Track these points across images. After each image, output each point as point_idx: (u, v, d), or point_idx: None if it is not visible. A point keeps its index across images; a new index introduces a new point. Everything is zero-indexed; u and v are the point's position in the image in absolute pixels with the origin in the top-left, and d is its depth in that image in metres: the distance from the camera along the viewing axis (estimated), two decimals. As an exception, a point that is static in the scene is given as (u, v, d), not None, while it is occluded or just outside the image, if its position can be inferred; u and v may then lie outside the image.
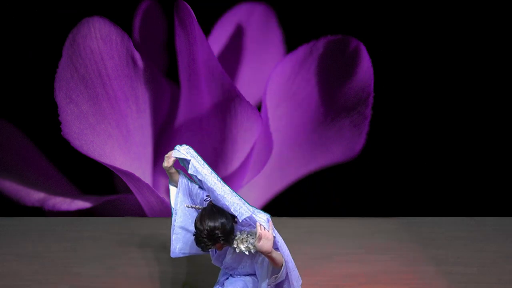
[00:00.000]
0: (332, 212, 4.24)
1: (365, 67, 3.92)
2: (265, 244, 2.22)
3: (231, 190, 2.39)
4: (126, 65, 3.79)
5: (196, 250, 2.62)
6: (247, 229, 2.39)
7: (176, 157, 2.48)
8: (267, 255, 2.26)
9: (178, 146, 2.50)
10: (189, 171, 2.44)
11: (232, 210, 2.31)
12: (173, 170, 2.55)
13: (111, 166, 3.84)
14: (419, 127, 4.21)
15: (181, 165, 2.54)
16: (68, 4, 3.99)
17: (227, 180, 4.23)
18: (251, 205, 2.37)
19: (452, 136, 4.24)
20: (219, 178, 2.42)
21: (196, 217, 2.37)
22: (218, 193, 2.35)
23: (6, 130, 4.18)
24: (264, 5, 4.14)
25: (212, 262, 2.64)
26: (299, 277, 2.52)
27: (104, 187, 4.28)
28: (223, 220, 2.30)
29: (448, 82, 4.17)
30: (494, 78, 4.17)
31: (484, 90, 4.18)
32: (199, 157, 2.48)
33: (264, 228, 2.24)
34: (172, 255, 2.66)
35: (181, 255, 2.68)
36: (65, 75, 3.62)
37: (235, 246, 2.36)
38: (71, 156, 3.87)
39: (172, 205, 2.62)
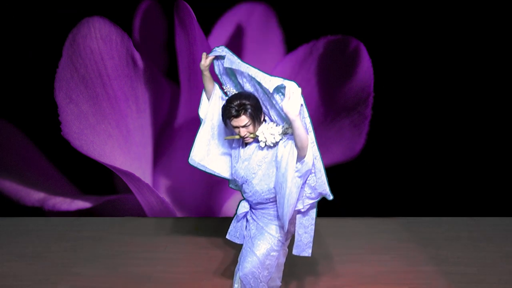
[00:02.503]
0: (332, 212, 4.23)
1: (365, 67, 3.93)
2: (293, 104, 2.29)
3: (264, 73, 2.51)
4: (126, 65, 3.79)
5: (215, 166, 2.68)
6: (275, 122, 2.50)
7: (214, 55, 2.61)
8: (293, 118, 2.31)
9: (216, 47, 2.63)
10: (225, 64, 2.57)
11: (263, 83, 2.42)
12: (208, 73, 2.65)
13: (111, 166, 3.85)
14: (419, 127, 4.21)
15: (216, 65, 2.65)
16: (68, 4, 3.99)
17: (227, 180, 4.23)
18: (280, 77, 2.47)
19: (452, 136, 4.23)
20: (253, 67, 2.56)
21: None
22: (250, 73, 2.47)
23: (6, 130, 4.19)
24: (264, 5, 4.15)
25: (230, 177, 2.67)
26: (327, 183, 2.54)
27: (104, 187, 4.28)
28: (256, 101, 2.45)
29: (448, 82, 4.17)
30: (494, 78, 4.17)
31: (484, 90, 4.18)
32: (234, 56, 2.59)
33: (293, 92, 2.31)
34: (190, 161, 2.71)
35: (199, 167, 2.71)
36: (65, 75, 3.62)
37: (260, 132, 2.45)
38: (71, 156, 3.88)
39: (202, 116, 2.69)
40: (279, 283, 2.76)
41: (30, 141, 4.20)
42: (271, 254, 2.58)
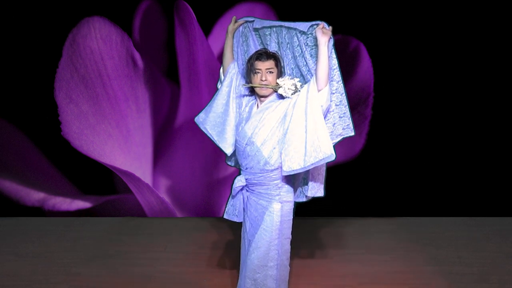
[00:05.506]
0: (332, 212, 4.24)
1: (365, 67, 3.93)
2: (325, 34, 2.50)
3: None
4: (126, 65, 3.80)
5: (216, 133, 2.79)
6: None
7: (244, 20, 2.78)
8: (322, 42, 2.49)
9: (245, 17, 2.81)
10: (255, 26, 2.76)
11: (298, 27, 2.61)
12: (232, 37, 2.80)
13: (111, 166, 3.85)
14: (419, 127, 4.21)
15: (235, 40, 2.80)
16: (68, 4, 3.99)
17: (228, 180, 4.23)
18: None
19: (452, 136, 4.23)
20: None
21: None
22: (285, 24, 2.64)
23: (6, 130, 4.19)
24: (264, 5, 4.15)
25: (229, 149, 2.73)
26: (351, 118, 2.67)
27: (104, 187, 4.28)
28: (281, 60, 2.65)
29: (448, 82, 4.17)
30: (494, 78, 4.17)
31: (484, 90, 4.18)
32: (263, 19, 2.77)
33: (325, 27, 2.52)
34: (195, 119, 2.87)
35: (201, 127, 2.83)
36: (65, 75, 3.63)
37: (281, 80, 2.57)
38: (71, 156, 3.88)
39: (218, 87, 2.83)
40: (288, 268, 2.75)
41: (30, 141, 4.21)
42: (271, 249, 2.60)
